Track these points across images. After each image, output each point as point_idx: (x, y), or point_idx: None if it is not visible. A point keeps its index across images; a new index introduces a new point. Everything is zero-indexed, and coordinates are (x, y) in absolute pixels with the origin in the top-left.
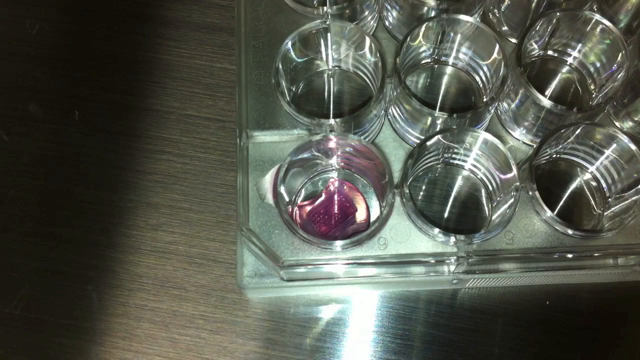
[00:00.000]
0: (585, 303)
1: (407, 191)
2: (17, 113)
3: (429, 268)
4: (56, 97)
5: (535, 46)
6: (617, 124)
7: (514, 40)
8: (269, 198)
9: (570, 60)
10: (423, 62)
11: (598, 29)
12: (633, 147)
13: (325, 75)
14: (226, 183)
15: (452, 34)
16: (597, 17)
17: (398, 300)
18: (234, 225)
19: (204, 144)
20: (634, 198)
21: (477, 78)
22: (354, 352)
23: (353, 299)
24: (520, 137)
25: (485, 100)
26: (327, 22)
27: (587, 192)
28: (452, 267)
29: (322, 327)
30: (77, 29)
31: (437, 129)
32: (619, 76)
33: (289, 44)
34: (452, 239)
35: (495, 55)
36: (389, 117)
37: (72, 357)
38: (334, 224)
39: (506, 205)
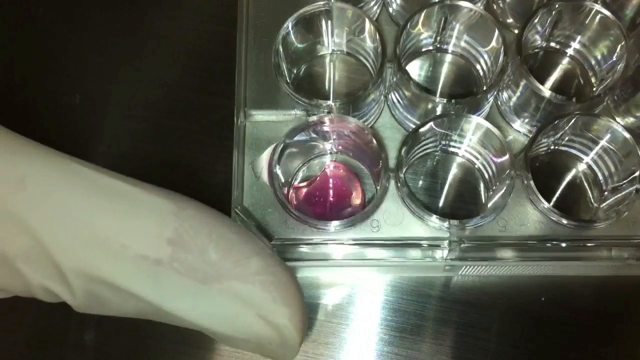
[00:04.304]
0: (582, 300)
1: (402, 176)
2: None
3: (422, 252)
4: None
5: (537, 37)
6: (617, 118)
7: (517, 31)
8: (264, 177)
9: (571, 51)
10: (424, 49)
11: (600, 21)
12: (629, 137)
13: (326, 58)
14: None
15: (453, 22)
16: (598, 7)
17: (393, 293)
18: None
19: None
20: (628, 189)
21: (478, 66)
22: (346, 343)
23: (346, 290)
24: (520, 129)
25: (484, 88)
26: (330, 4)
27: (584, 184)
28: (445, 252)
29: (314, 319)
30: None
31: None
32: (619, 68)
33: (289, 25)
34: (445, 224)
35: (495, 43)
36: (389, 103)
37: None
38: (329, 207)
39: (501, 193)
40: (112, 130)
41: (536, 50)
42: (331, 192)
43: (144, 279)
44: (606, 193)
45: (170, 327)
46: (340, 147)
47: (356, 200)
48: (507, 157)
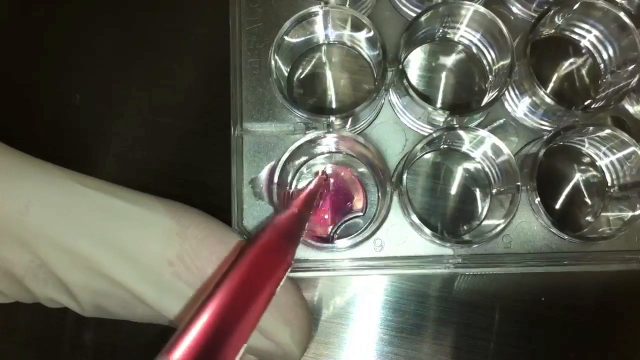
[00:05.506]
0: (582, 300)
1: (404, 184)
2: None
3: (425, 267)
4: None
5: (548, 28)
6: (624, 104)
7: (520, 13)
8: (265, 196)
9: (579, 38)
10: (427, 40)
11: (613, 19)
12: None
13: (324, 63)
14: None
15: (458, 19)
16: (611, 6)
17: (393, 293)
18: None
19: None
20: (636, 212)
21: (484, 61)
22: (346, 343)
23: (346, 290)
24: (523, 118)
25: (488, 88)
26: (326, 7)
27: (590, 187)
28: (449, 263)
29: (315, 319)
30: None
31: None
32: (634, 75)
33: (285, 30)
34: (448, 244)
35: (501, 42)
36: (389, 98)
37: None
38: (331, 210)
39: (505, 206)
40: (113, 130)
41: (545, 36)
42: (333, 195)
43: (148, 292)
44: (613, 191)
45: (170, 327)
46: (340, 148)
47: (358, 203)
48: (514, 172)
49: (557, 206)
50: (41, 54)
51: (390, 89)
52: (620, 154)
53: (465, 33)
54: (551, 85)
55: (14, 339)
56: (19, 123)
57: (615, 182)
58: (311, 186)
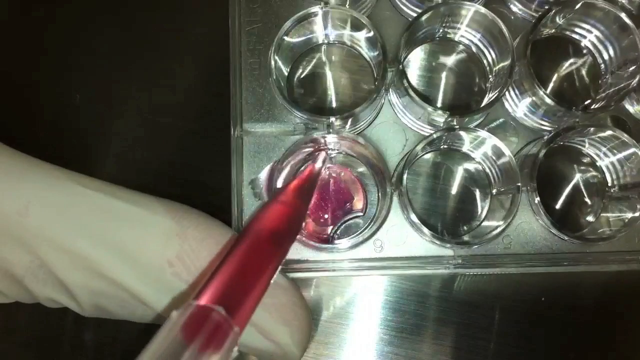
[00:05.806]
0: (582, 300)
1: (404, 185)
2: None
3: (426, 268)
4: None
5: (548, 28)
6: (625, 105)
7: (521, 13)
8: (264, 196)
9: (579, 38)
10: (427, 40)
11: (614, 20)
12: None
13: (324, 63)
14: None
15: (458, 19)
16: (612, 6)
17: (393, 293)
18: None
19: None
20: (636, 213)
21: (484, 61)
22: (346, 343)
23: (346, 290)
24: (525, 122)
25: (488, 89)
26: (326, 7)
27: (590, 187)
28: (449, 264)
29: (315, 319)
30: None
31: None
32: (635, 75)
33: (285, 30)
34: (448, 244)
35: (501, 42)
36: (389, 97)
37: None
38: (331, 210)
39: (506, 207)
40: (113, 130)
41: (545, 35)
42: (333, 195)
43: (148, 292)
44: (612, 191)
45: None
46: (340, 148)
47: (358, 203)
48: (515, 172)
49: (557, 206)
50: (41, 54)
51: (390, 89)
52: (620, 155)
53: (465, 33)
54: (551, 85)
55: (14, 339)
56: (19, 123)
57: (615, 182)
58: (310, 168)
